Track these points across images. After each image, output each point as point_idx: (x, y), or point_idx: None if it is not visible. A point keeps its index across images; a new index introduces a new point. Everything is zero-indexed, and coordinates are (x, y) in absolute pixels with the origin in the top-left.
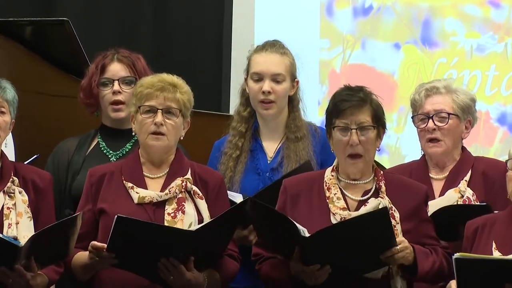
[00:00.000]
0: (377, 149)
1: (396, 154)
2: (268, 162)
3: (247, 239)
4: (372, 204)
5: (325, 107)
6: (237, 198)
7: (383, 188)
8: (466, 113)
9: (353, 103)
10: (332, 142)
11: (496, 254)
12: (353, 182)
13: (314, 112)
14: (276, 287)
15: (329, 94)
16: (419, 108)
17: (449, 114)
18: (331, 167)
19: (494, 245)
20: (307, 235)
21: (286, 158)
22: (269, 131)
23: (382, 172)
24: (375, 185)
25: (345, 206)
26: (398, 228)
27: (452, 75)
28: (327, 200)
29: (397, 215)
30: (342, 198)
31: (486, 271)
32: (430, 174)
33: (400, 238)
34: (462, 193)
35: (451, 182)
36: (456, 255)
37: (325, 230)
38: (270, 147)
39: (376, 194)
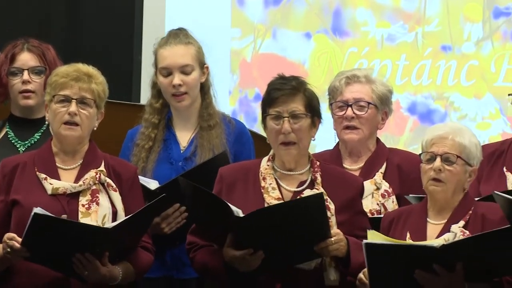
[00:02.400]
0: (312, 139)
1: None
2: (181, 151)
3: (159, 227)
4: (307, 195)
5: (236, 97)
6: (151, 184)
7: (319, 180)
8: (384, 104)
9: (286, 92)
10: (267, 131)
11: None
12: (289, 172)
13: (225, 101)
14: (210, 276)
15: (240, 83)
16: (338, 95)
17: (368, 103)
18: (267, 157)
19: (408, 236)
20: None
21: (199, 147)
22: (183, 120)
23: (318, 163)
24: (311, 176)
25: (280, 197)
26: (333, 220)
27: (362, 65)
28: (262, 190)
29: (332, 206)
30: (277, 189)
31: (396, 256)
32: (344, 164)
33: (335, 230)
34: (378, 185)
35: (366, 173)
36: (365, 240)
37: (260, 211)
38: (184, 136)
39: (312, 185)
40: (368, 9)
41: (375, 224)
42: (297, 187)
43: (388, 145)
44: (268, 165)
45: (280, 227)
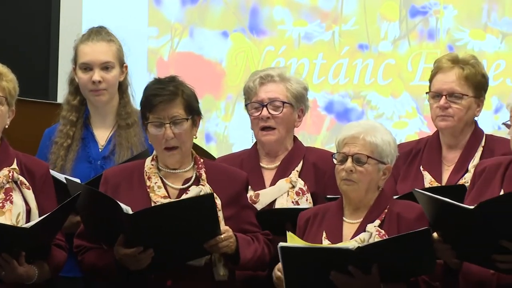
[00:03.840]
0: (194, 137)
1: (224, 142)
2: (100, 150)
3: (75, 227)
4: (193, 192)
5: None
6: (62, 177)
7: (204, 176)
8: (299, 102)
9: (164, 98)
10: (149, 135)
11: (326, 243)
12: (173, 171)
13: None
14: (101, 276)
15: None
16: (253, 96)
17: (283, 102)
18: (150, 157)
19: (324, 235)
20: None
21: (118, 145)
22: (100, 119)
23: (202, 160)
24: (196, 173)
25: (166, 195)
26: (220, 215)
27: (280, 63)
28: (148, 189)
29: (218, 202)
30: (162, 187)
31: (311, 259)
32: (261, 164)
33: (224, 227)
34: (294, 183)
35: (282, 172)
36: (281, 243)
37: (151, 209)
38: (102, 135)
39: (197, 182)
40: (285, 8)
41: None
42: (182, 185)
43: (305, 144)
44: (152, 165)
45: (170, 225)
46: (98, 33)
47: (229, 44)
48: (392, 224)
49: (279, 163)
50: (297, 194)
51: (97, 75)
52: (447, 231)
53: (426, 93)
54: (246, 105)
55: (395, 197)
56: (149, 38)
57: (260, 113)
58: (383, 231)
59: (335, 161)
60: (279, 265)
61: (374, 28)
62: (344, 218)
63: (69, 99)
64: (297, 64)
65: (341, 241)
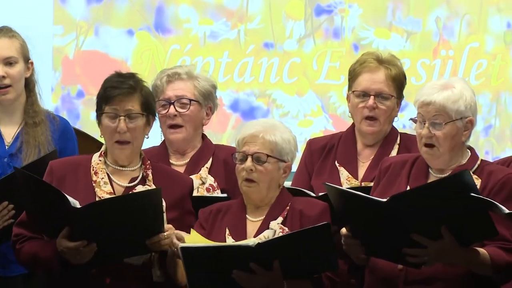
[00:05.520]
0: (146, 136)
1: None
2: (7, 147)
3: None
4: (145, 189)
5: (59, 94)
6: None
7: (150, 177)
8: (207, 100)
9: (123, 91)
10: (101, 128)
11: (230, 241)
12: (121, 168)
13: (47, 98)
14: (40, 267)
15: (62, 80)
16: (161, 93)
17: (190, 100)
18: (98, 152)
19: (227, 232)
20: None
21: (25, 143)
22: (7, 116)
23: (149, 161)
24: (142, 173)
25: (112, 191)
26: (164, 217)
27: (185, 62)
28: (94, 184)
29: (163, 204)
30: (109, 183)
31: (212, 258)
32: (170, 160)
33: (167, 225)
34: (204, 180)
35: (192, 168)
36: (181, 244)
37: (98, 202)
38: (9, 132)
39: (143, 181)
40: (190, 6)
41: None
42: (129, 183)
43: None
44: (100, 160)
45: (116, 219)
46: (0, 30)
47: (135, 43)
48: (295, 221)
49: (188, 160)
50: (207, 190)
51: (0, 70)
52: (357, 225)
53: (353, 91)
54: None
55: (320, 194)
56: (54, 36)
57: (167, 111)
58: (286, 228)
59: (235, 160)
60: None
61: (280, 26)
62: (247, 216)
63: None
64: (203, 63)
65: (245, 239)
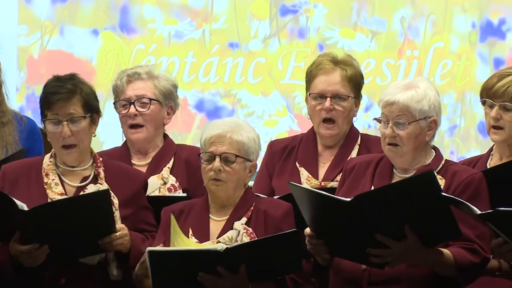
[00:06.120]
0: (93, 135)
1: (94, 140)
2: None
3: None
4: (90, 190)
5: (24, 93)
6: None
7: (102, 175)
8: (168, 99)
9: (62, 96)
10: (47, 133)
11: (193, 241)
12: (71, 168)
13: (13, 98)
14: None
15: (27, 80)
16: (121, 94)
17: (150, 99)
18: (49, 154)
19: (191, 232)
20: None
21: None
22: None
23: (101, 159)
24: (94, 172)
25: (63, 192)
26: (117, 215)
27: (150, 62)
28: (45, 186)
29: (116, 201)
30: (60, 184)
31: (179, 261)
32: (132, 161)
33: (119, 225)
34: (165, 180)
35: (153, 169)
36: (148, 248)
37: (46, 205)
38: None
39: (95, 180)
40: (155, 6)
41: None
42: (80, 182)
43: (176, 143)
44: (50, 161)
45: (66, 221)
46: None
47: (100, 42)
48: (259, 221)
49: (150, 160)
50: (169, 190)
51: None
52: (322, 226)
53: (310, 94)
54: (114, 103)
55: (277, 196)
56: (19, 36)
57: (128, 111)
58: (250, 229)
59: (201, 161)
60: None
61: (245, 26)
62: (210, 215)
63: None
64: (168, 63)
65: (208, 239)
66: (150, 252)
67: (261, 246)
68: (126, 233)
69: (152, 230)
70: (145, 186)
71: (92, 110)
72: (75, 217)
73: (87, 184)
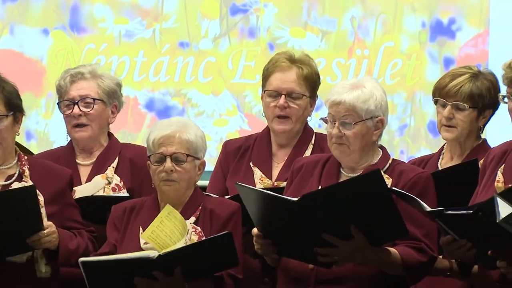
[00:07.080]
0: (16, 134)
1: (44, 140)
2: None
3: None
4: (16, 187)
5: None
6: None
7: (27, 173)
8: (112, 98)
9: None
10: None
11: (142, 241)
12: None
13: None
14: None
15: None
16: (65, 94)
17: (94, 99)
18: None
19: (141, 230)
20: None
21: None
22: None
23: (26, 157)
24: (19, 170)
25: None
26: (43, 212)
27: (100, 61)
28: None
29: (41, 198)
30: None
31: (113, 270)
32: (77, 160)
33: (47, 222)
34: (109, 179)
35: (98, 168)
36: (82, 259)
37: None
38: None
39: (20, 178)
40: (105, 5)
41: None
42: (5, 181)
43: (127, 142)
44: None
45: None
46: None
47: (50, 42)
48: (206, 221)
49: (95, 159)
50: (113, 190)
51: None
52: (269, 226)
53: (265, 91)
54: (58, 104)
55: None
56: None
57: (72, 111)
58: (199, 228)
59: (150, 163)
60: None
61: (195, 26)
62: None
63: None
64: (118, 62)
65: None
66: (83, 262)
67: (194, 250)
68: (54, 230)
69: (79, 228)
70: (71, 183)
71: (14, 108)
72: (1, 214)
73: (11, 182)
